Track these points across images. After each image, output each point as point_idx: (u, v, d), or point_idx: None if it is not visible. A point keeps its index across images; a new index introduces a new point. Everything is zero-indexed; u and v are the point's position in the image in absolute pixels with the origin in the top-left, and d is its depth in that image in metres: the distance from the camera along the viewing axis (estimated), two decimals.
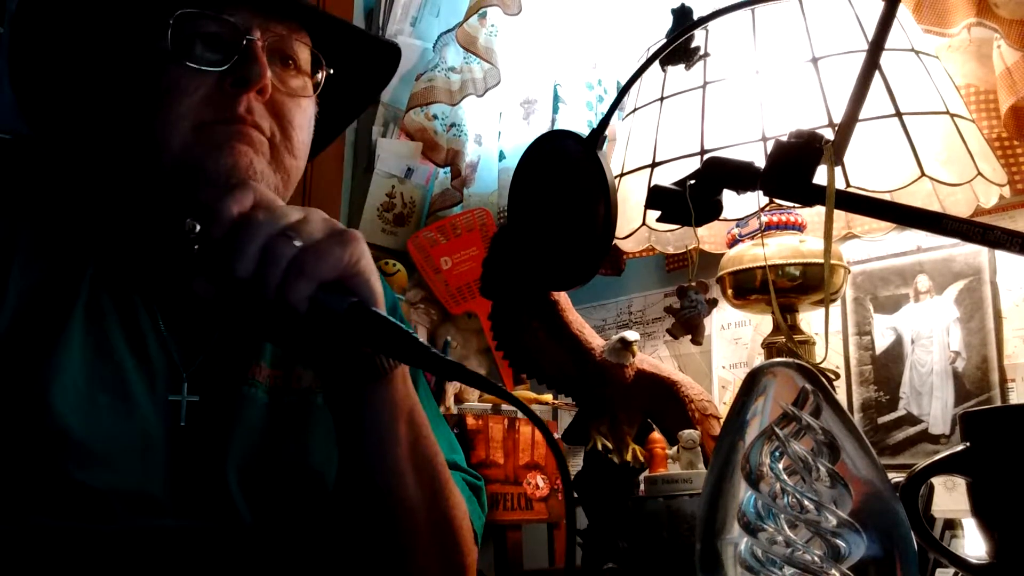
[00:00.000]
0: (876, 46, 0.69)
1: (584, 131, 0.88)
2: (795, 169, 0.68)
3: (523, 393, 1.63)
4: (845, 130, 0.69)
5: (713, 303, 1.21)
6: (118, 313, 0.83)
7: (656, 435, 1.19)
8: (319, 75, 0.90)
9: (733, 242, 1.29)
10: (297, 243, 0.70)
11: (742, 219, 1.21)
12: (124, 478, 0.79)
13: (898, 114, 1.07)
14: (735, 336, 1.59)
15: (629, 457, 1.18)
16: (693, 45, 0.80)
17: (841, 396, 1.39)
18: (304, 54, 0.89)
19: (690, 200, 0.73)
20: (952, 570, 0.77)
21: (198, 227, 0.70)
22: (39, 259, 0.81)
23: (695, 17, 0.81)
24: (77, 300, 0.81)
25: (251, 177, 0.81)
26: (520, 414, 1.64)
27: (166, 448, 0.82)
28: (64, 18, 0.86)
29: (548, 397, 1.60)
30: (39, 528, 0.76)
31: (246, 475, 0.85)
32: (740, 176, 0.72)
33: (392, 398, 0.80)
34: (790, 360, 0.72)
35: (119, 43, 0.84)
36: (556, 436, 1.62)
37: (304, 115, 0.88)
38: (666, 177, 0.89)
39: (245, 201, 0.71)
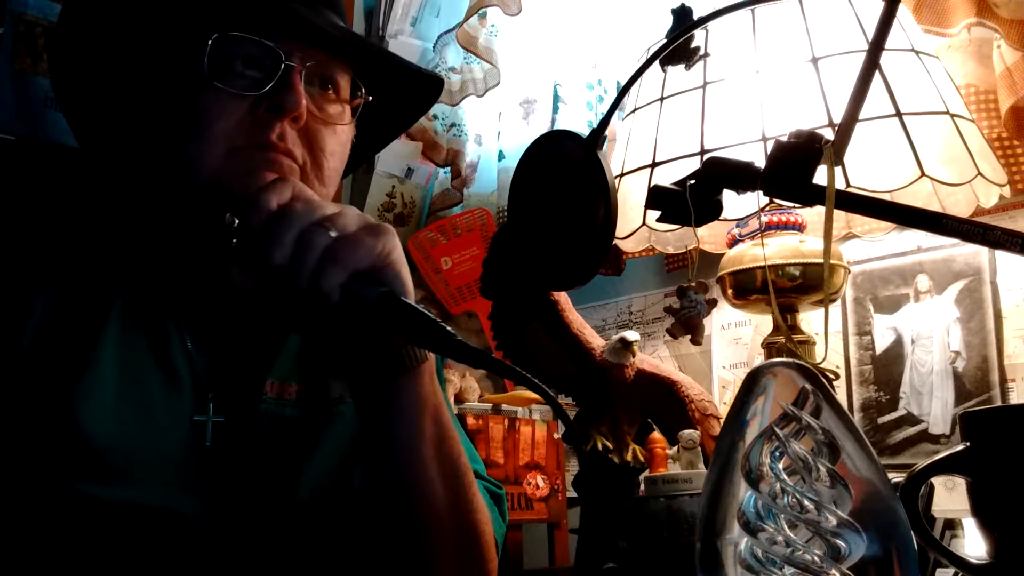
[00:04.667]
0: (876, 46, 0.69)
1: (584, 131, 0.88)
2: (795, 169, 0.68)
3: (523, 393, 1.63)
4: (845, 130, 0.69)
5: (713, 303, 1.21)
6: (147, 332, 0.84)
7: (656, 435, 1.19)
8: (357, 101, 0.89)
9: (733, 242, 1.29)
10: (332, 233, 0.71)
11: (742, 219, 1.21)
12: (146, 495, 0.79)
13: (898, 114, 1.07)
14: (735, 336, 1.59)
15: (629, 457, 1.18)
16: (693, 45, 0.80)
17: (841, 396, 1.39)
18: (344, 80, 0.88)
19: (690, 200, 0.73)
20: (952, 570, 0.77)
21: (237, 221, 0.73)
22: (68, 277, 0.82)
23: (695, 17, 0.81)
24: (107, 318, 0.81)
25: None
26: (520, 414, 1.65)
27: (190, 467, 0.83)
28: (103, 35, 0.86)
29: None
30: (57, 531, 0.77)
31: (271, 492, 0.86)
32: (740, 176, 0.72)
33: (418, 393, 0.80)
34: (790, 360, 0.72)
35: (156, 61, 0.83)
36: (556, 436, 1.62)
37: (338, 141, 0.87)
38: (666, 177, 0.89)
39: (285, 193, 0.73)
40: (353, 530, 0.90)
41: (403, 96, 0.97)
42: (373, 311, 0.71)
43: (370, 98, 0.90)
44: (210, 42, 0.80)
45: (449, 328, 0.71)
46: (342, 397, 0.92)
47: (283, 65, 0.81)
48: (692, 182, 0.73)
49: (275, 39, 0.81)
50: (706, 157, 0.84)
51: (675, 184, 0.74)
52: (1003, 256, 1.29)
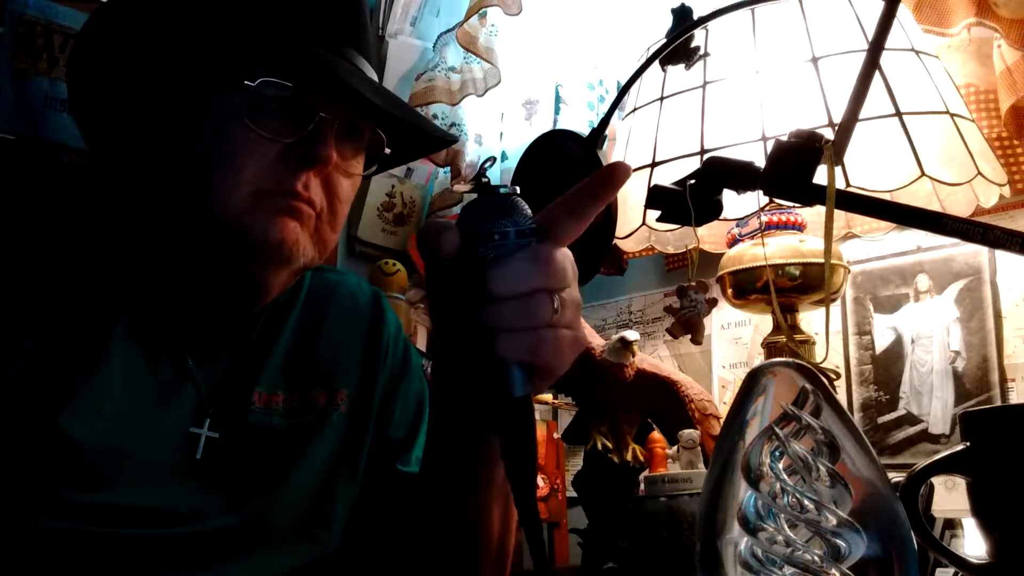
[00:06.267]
0: (876, 46, 0.70)
1: (585, 131, 0.88)
2: (795, 169, 0.68)
3: None
4: (845, 130, 0.69)
5: (713, 303, 1.21)
6: (147, 346, 0.84)
7: (656, 435, 1.19)
8: (375, 152, 0.89)
9: (733, 242, 1.30)
10: (556, 315, 0.63)
11: (742, 219, 1.21)
12: (136, 497, 0.80)
13: (898, 114, 1.07)
14: (735, 336, 1.59)
15: (629, 457, 1.18)
16: (693, 45, 0.80)
17: (841, 396, 1.39)
18: (366, 133, 0.88)
19: (690, 200, 0.73)
20: (952, 570, 0.77)
21: (517, 195, 0.63)
22: (69, 289, 0.81)
23: (695, 17, 0.81)
24: (112, 331, 0.81)
25: (295, 253, 0.81)
26: None
27: (184, 475, 0.83)
28: (132, 52, 0.85)
29: (548, 397, 1.60)
30: (50, 530, 0.77)
31: (260, 500, 0.87)
32: (740, 176, 0.72)
33: (496, 448, 0.78)
34: (790, 360, 0.72)
35: (189, 95, 0.83)
36: (556, 436, 1.62)
37: (352, 188, 0.87)
38: (666, 177, 0.89)
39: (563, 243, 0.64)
40: (348, 535, 0.91)
41: (414, 148, 0.97)
42: (503, 401, 0.64)
43: (388, 151, 0.90)
44: (253, 85, 0.79)
45: (535, 466, 0.66)
46: (330, 405, 0.93)
47: (318, 117, 0.81)
48: (692, 182, 0.73)
49: (312, 89, 0.81)
50: (706, 157, 0.84)
51: (675, 184, 0.74)
52: (1003, 256, 1.29)
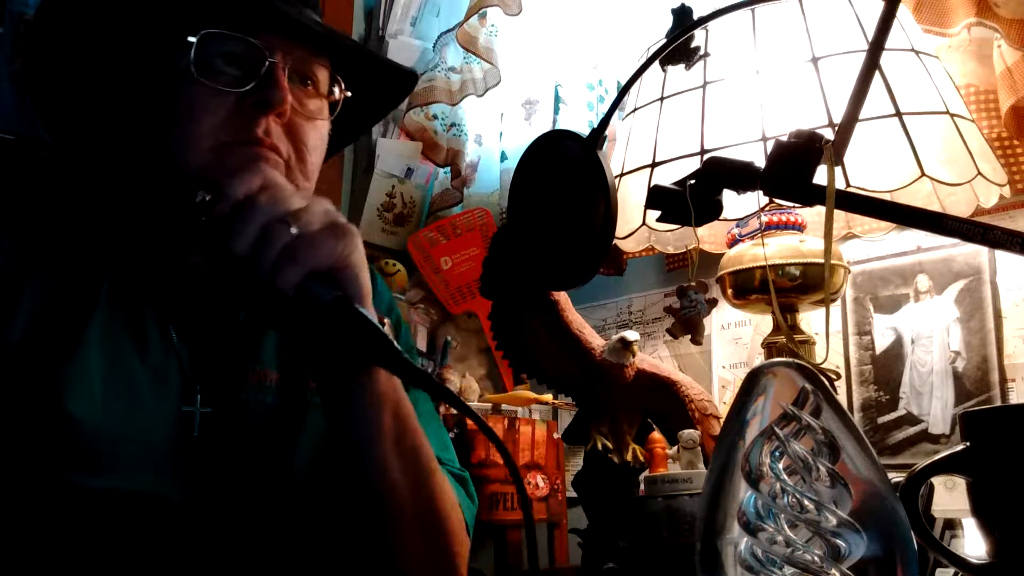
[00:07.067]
0: (876, 46, 0.70)
1: (585, 131, 0.88)
2: (795, 169, 0.68)
3: (523, 393, 1.63)
4: (845, 130, 0.69)
5: (713, 303, 1.21)
6: (131, 324, 0.84)
7: (656, 435, 1.19)
8: (336, 96, 0.90)
9: (733, 242, 1.30)
10: (293, 230, 0.72)
11: (742, 219, 1.21)
12: (135, 484, 0.80)
13: (898, 114, 1.07)
14: (735, 336, 1.59)
15: (629, 457, 1.18)
16: (693, 45, 0.80)
17: (841, 396, 1.39)
18: (323, 76, 0.89)
19: (690, 200, 0.73)
20: (952, 570, 0.77)
21: (208, 198, 0.73)
22: (54, 269, 0.82)
23: (695, 17, 0.81)
24: (93, 310, 0.82)
25: None
26: (520, 413, 1.65)
27: (179, 458, 0.83)
28: (82, 28, 0.86)
29: (548, 397, 1.60)
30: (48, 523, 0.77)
31: (256, 479, 0.87)
32: (740, 176, 0.72)
33: (376, 390, 0.80)
34: (790, 360, 0.72)
35: (138, 57, 0.84)
36: (556, 436, 1.62)
37: (319, 136, 0.88)
38: (666, 177, 0.89)
39: (252, 183, 0.73)
40: (329, 516, 0.91)
41: (378, 91, 0.98)
42: (325, 314, 0.72)
43: (348, 94, 0.90)
44: (196, 39, 0.80)
45: (395, 344, 0.71)
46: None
47: (267, 62, 0.82)
48: (692, 182, 0.73)
49: (258, 36, 0.82)
50: (706, 157, 0.84)
51: (675, 184, 0.74)
52: (1003, 256, 1.29)
